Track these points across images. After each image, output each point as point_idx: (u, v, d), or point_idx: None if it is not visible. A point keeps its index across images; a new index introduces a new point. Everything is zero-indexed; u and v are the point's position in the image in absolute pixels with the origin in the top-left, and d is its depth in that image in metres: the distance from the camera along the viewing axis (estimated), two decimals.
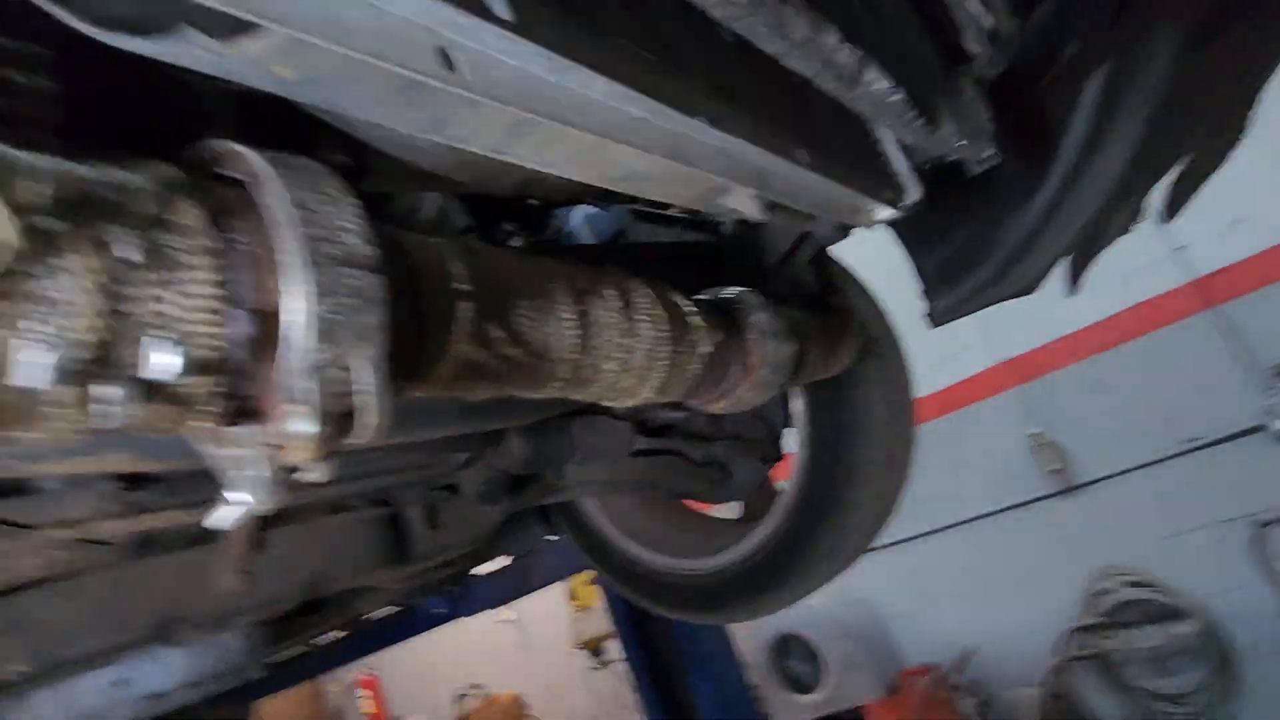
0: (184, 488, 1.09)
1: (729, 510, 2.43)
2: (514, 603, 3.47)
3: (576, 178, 0.61)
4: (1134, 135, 1.10)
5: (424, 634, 3.51)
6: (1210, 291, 4.17)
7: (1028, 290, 1.34)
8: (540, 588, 3.30)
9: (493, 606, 3.29)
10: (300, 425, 0.40)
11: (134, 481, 1.06)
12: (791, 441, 2.03)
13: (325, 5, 0.37)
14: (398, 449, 1.21)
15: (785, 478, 2.01)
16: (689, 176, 0.66)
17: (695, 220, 1.46)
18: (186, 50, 0.35)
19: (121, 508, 1.01)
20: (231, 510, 0.48)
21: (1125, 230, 1.35)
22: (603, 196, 1.14)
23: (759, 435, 2.10)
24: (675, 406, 1.79)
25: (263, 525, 1.23)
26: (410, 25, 0.40)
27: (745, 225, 1.43)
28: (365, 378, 0.41)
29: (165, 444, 0.83)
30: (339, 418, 0.41)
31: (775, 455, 2.12)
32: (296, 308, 0.38)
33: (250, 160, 0.39)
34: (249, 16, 0.34)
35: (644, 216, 1.50)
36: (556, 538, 2.53)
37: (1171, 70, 1.04)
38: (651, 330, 0.73)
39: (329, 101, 0.44)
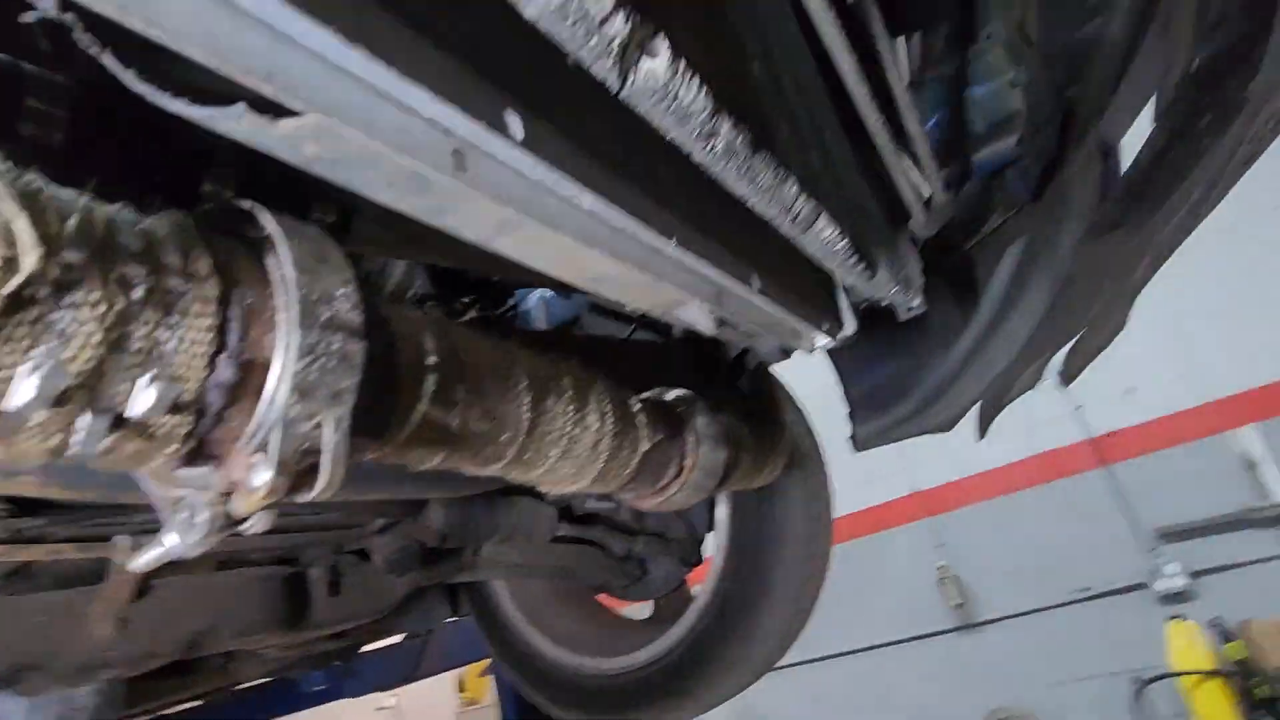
0: (77, 521, 1.03)
1: (639, 611, 2.39)
2: (397, 690, 3.23)
3: (552, 275, 0.66)
4: (1041, 304, 1.25)
5: (297, 714, 3.20)
6: (1103, 451, 4.52)
7: (943, 428, 1.45)
8: (433, 674, 3.10)
9: (380, 689, 3.06)
10: (259, 474, 0.41)
11: (23, 508, 0.99)
12: (711, 547, 2.04)
13: (362, 102, 0.42)
14: (317, 506, 1.18)
15: (699, 582, 2.01)
16: (653, 287, 0.72)
17: (647, 321, 1.54)
18: (233, 122, 0.39)
19: (6, 534, 0.94)
20: (156, 551, 0.47)
21: (1029, 387, 1.49)
22: (565, 286, 1.20)
23: (681, 537, 2.11)
24: (605, 497, 1.80)
25: (151, 572, 1.16)
26: (433, 129, 0.46)
27: (694, 332, 1.51)
28: (330, 437, 0.43)
29: (77, 472, 0.79)
30: (297, 472, 0.43)
31: (695, 558, 2.12)
32: (281, 363, 0.41)
33: (264, 221, 0.42)
34: (299, 106, 0.38)
35: (601, 310, 1.56)
36: (457, 619, 2.42)
37: (1072, 254, 1.20)
38: (598, 424, 0.77)
39: (344, 179, 0.47)
